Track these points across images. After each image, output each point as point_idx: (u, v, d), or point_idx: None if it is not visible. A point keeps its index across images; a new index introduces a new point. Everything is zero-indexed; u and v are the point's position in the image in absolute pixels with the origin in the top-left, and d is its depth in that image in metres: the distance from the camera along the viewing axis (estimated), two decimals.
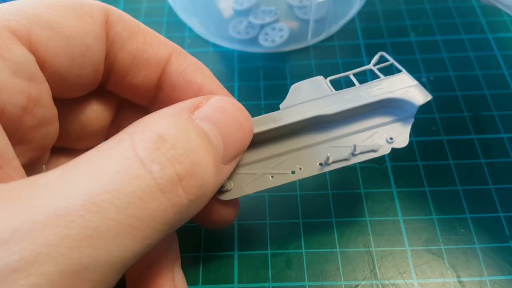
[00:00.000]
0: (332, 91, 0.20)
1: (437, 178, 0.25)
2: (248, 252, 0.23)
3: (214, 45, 0.33)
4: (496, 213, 0.24)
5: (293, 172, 0.19)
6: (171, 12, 0.35)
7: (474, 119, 0.28)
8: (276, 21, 0.33)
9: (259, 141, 0.20)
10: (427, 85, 0.30)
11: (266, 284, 0.22)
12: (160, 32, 0.34)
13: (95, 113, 0.19)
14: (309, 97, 0.20)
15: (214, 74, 0.31)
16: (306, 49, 0.33)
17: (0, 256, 0.10)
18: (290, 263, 0.23)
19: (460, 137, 0.27)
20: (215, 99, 0.17)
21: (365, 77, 0.31)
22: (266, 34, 0.33)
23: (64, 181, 0.12)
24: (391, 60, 0.21)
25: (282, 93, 0.30)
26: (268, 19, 0.33)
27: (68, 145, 0.19)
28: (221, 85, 0.19)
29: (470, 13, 0.34)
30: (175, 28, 0.34)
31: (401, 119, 0.20)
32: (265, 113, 0.20)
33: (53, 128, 0.17)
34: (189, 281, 0.22)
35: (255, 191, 0.19)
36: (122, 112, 0.20)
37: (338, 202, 0.25)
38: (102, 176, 0.12)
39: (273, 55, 0.32)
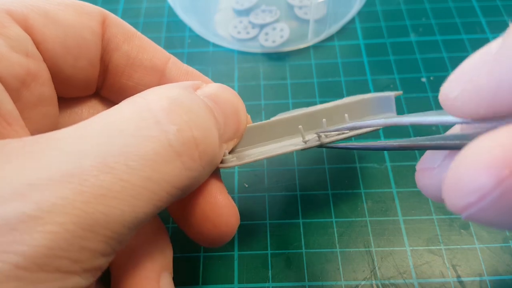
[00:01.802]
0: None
1: None
2: (248, 252, 0.23)
3: (214, 45, 0.33)
4: None
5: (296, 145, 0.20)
6: (171, 12, 0.35)
7: None
8: (277, 21, 0.33)
9: (260, 139, 0.20)
10: (427, 85, 0.30)
11: (266, 284, 0.22)
12: (160, 32, 0.34)
13: None
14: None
15: (214, 74, 0.31)
16: (306, 49, 0.33)
17: (17, 206, 0.11)
18: (290, 263, 0.23)
19: None
20: (214, 84, 0.18)
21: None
22: (266, 34, 0.33)
23: (77, 139, 0.13)
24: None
25: (282, 93, 0.30)
26: (268, 19, 0.33)
27: None
28: None
29: (470, 13, 0.34)
30: (175, 28, 0.34)
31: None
32: (264, 113, 0.20)
33: (53, 110, 0.17)
34: (189, 281, 0.22)
35: (259, 158, 0.19)
36: None
37: (338, 202, 0.25)
38: (116, 138, 0.13)
39: (273, 55, 0.32)
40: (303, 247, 0.23)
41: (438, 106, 0.28)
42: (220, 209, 0.18)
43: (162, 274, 0.18)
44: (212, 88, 0.17)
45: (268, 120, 0.20)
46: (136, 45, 0.18)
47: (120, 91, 0.19)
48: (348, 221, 0.24)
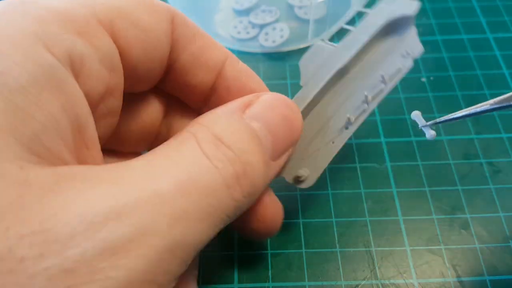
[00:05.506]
0: (335, 46, 0.21)
1: (436, 178, 0.25)
2: (248, 252, 0.23)
3: None
4: (496, 213, 0.24)
5: (346, 127, 0.20)
6: None
7: (474, 119, 0.28)
8: (277, 21, 0.33)
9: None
10: (427, 85, 0.30)
11: (266, 284, 0.22)
12: None
13: (146, 112, 0.20)
14: (320, 62, 0.20)
15: None
16: (306, 49, 0.32)
17: (117, 227, 0.11)
18: (290, 263, 0.23)
19: (460, 137, 0.27)
20: (265, 97, 0.18)
21: None
22: (267, 34, 0.33)
23: (151, 168, 0.14)
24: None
25: (282, 93, 0.30)
26: (268, 19, 0.33)
27: (114, 146, 0.20)
28: (268, 90, 0.20)
29: (470, 13, 0.34)
30: None
31: (405, 34, 0.22)
32: None
33: (117, 119, 0.18)
34: None
35: (328, 163, 0.19)
36: (171, 115, 0.21)
37: (338, 202, 0.25)
38: (182, 168, 0.14)
39: (273, 55, 0.32)
40: (303, 247, 0.23)
41: (439, 106, 0.29)
42: (266, 207, 0.19)
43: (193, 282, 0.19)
44: (261, 104, 0.17)
45: (307, 102, 0.20)
46: (201, 44, 0.19)
47: (181, 87, 0.19)
48: (348, 221, 0.24)
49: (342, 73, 0.20)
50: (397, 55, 0.21)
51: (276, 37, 0.32)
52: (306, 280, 0.22)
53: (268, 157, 0.17)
